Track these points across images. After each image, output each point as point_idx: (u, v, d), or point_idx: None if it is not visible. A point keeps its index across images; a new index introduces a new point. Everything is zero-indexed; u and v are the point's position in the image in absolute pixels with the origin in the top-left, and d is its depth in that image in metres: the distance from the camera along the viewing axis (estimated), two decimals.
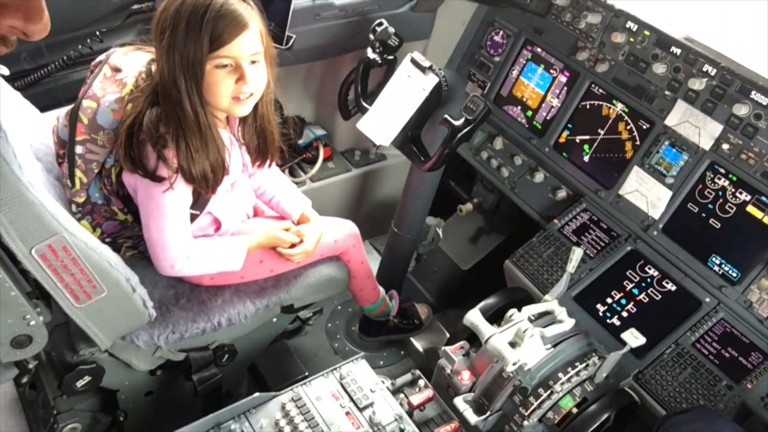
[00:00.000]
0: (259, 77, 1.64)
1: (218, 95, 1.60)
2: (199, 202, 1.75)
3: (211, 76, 1.57)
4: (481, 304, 1.94)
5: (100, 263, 1.50)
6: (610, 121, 2.16)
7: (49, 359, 1.83)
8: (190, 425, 1.60)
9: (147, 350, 1.80)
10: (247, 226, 1.94)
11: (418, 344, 2.66)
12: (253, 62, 1.61)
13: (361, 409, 1.72)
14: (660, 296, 1.96)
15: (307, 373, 2.45)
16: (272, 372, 2.42)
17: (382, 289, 2.41)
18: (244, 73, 1.58)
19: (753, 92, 1.83)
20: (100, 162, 1.70)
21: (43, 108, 1.94)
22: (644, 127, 2.08)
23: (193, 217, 1.77)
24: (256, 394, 1.69)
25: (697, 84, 1.90)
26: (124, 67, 1.70)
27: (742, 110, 1.82)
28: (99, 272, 1.50)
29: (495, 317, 1.92)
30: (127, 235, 1.85)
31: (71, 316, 1.54)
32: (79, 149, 1.67)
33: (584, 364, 1.74)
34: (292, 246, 1.92)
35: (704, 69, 1.91)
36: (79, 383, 1.74)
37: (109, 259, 1.53)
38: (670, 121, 2.00)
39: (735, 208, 1.88)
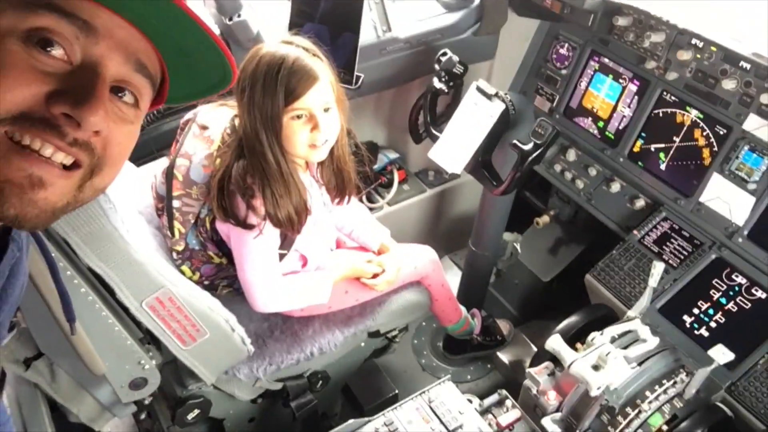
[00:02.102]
0: (332, 124, 1.74)
1: (296, 144, 1.71)
2: (286, 242, 1.88)
3: (288, 128, 1.69)
4: (561, 325, 1.95)
5: (202, 309, 1.65)
6: (685, 128, 2.12)
7: (161, 392, 2.00)
8: None
9: (248, 382, 1.94)
10: (332, 260, 2.05)
11: (504, 358, 2.69)
12: (326, 110, 1.71)
13: (450, 431, 1.78)
14: (749, 304, 1.91)
15: (397, 391, 2.53)
16: (364, 391, 2.52)
17: (463, 309, 2.47)
18: (318, 123, 1.69)
19: None
20: (195, 213, 1.84)
21: (137, 158, 2.12)
22: (721, 132, 2.03)
23: (281, 257, 1.89)
24: (351, 421, 1.78)
25: None
26: (210, 124, 1.83)
27: None
28: (201, 317, 1.65)
29: (579, 335, 1.94)
30: (223, 276, 1.99)
31: (179, 357, 1.69)
32: (176, 203, 1.83)
33: (672, 381, 1.73)
34: (375, 276, 2.02)
35: None
36: (190, 416, 1.90)
37: (209, 305, 1.68)
38: (748, 125, 1.95)
39: None
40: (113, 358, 1.57)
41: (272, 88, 1.63)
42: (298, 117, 1.68)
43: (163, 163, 1.93)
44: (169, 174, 1.82)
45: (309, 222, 1.86)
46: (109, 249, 1.38)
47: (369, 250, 2.14)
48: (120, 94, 0.86)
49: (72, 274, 1.36)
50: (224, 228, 1.83)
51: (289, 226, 1.78)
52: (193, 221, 1.85)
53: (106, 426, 1.72)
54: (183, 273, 1.88)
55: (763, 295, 1.90)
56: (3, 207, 0.76)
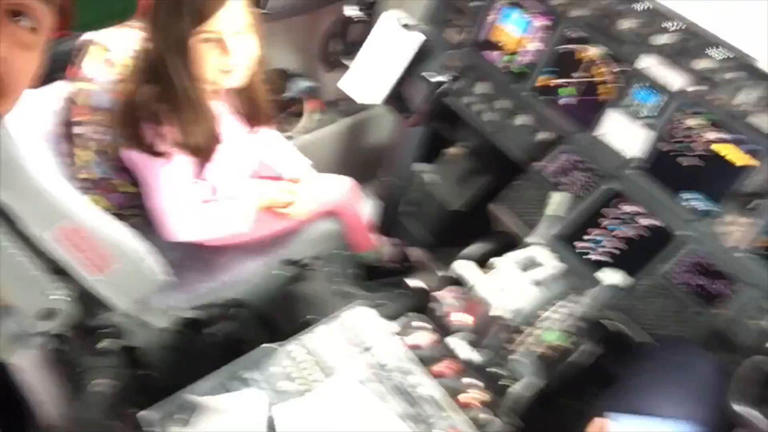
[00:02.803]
0: (244, 48, 1.70)
1: (205, 69, 1.67)
2: (196, 171, 1.85)
3: (196, 52, 1.63)
4: (467, 251, 2.06)
5: (110, 238, 1.63)
6: (586, 64, 2.23)
7: (71, 322, 1.97)
8: (208, 377, 1.75)
9: (161, 310, 1.95)
10: (246, 189, 2.05)
11: (413, 282, 2.81)
12: (237, 34, 1.66)
13: (363, 352, 1.87)
14: (636, 231, 2.08)
15: (311, 317, 2.60)
16: (279, 317, 2.57)
17: (376, 237, 2.54)
18: (226, 47, 1.64)
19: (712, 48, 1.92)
20: (99, 140, 1.78)
21: None
22: (619, 69, 2.15)
23: (195, 185, 1.87)
24: (266, 345, 1.84)
25: (659, 40, 1.98)
26: (112, 46, 1.75)
27: (703, 65, 1.91)
28: (110, 247, 1.63)
29: (483, 260, 2.06)
30: (131, 206, 1.95)
31: (88, 287, 1.67)
32: (77, 129, 1.76)
33: (565, 301, 1.89)
34: (289, 206, 2.04)
35: (663, 25, 2.00)
36: (102, 345, 1.89)
37: (118, 233, 1.66)
38: (642, 64, 2.07)
39: (704, 146, 1.98)
40: (19, 289, 1.53)
41: (177, 9, 1.57)
42: (207, 40, 1.63)
43: (61, 86, 1.83)
44: (69, 98, 1.73)
45: (220, 151, 1.84)
46: (8, 177, 1.33)
47: (285, 181, 2.14)
48: (17, 18, 0.82)
49: None
50: (131, 156, 1.78)
51: (199, 155, 1.75)
52: (97, 149, 1.79)
53: (15, 357, 1.69)
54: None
55: (648, 223, 2.08)
56: None
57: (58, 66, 2.00)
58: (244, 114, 1.92)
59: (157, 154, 1.70)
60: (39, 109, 1.88)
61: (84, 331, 1.88)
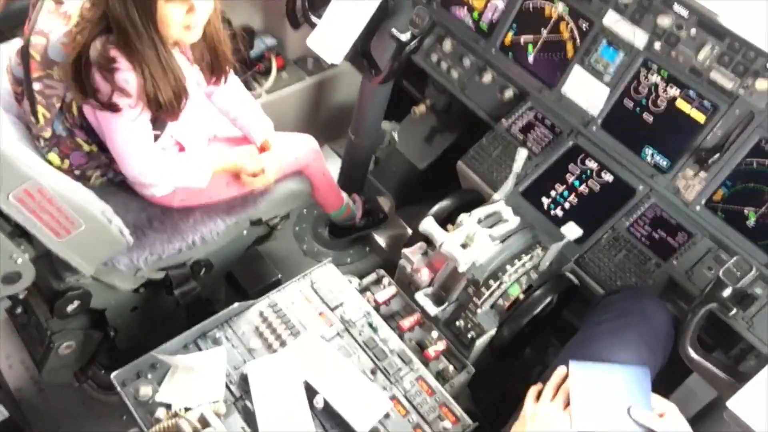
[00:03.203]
0: (205, 4, 1.67)
1: (170, 26, 1.64)
2: (158, 123, 1.82)
3: (162, 10, 1.60)
4: (434, 208, 2.08)
5: (75, 200, 1.60)
6: (552, 21, 2.23)
7: (36, 286, 1.95)
8: (178, 337, 1.76)
9: (128, 272, 1.93)
10: (214, 150, 2.02)
11: (381, 240, 2.84)
12: None
13: (332, 309, 1.90)
14: (599, 186, 2.13)
15: (280, 276, 2.62)
16: (247, 277, 2.59)
17: (345, 195, 2.55)
18: (193, 5, 1.61)
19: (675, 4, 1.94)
20: (59, 96, 1.74)
21: None
22: (584, 27, 2.15)
23: (155, 137, 1.84)
24: (236, 305, 1.84)
25: None
26: None
27: (665, 21, 1.93)
28: (75, 209, 1.60)
29: (450, 217, 2.09)
30: (95, 165, 1.92)
31: (53, 250, 1.65)
32: (36, 86, 1.71)
33: (529, 256, 1.93)
34: (255, 175, 2.01)
35: None
36: (69, 307, 1.88)
37: (83, 195, 1.63)
38: (607, 20, 2.08)
39: (666, 103, 2.02)
40: None
41: None
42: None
43: (16, 43, 1.77)
44: (25, 54, 1.68)
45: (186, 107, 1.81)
46: None
47: (251, 142, 2.11)
48: None
49: None
50: (93, 112, 1.74)
51: (169, 110, 1.73)
52: (58, 105, 1.74)
53: None
54: (50, 162, 1.79)
55: (610, 178, 2.12)
56: None
57: (14, 23, 1.94)
58: (205, 65, 1.88)
59: (115, 108, 1.65)
60: None
61: (51, 294, 1.86)
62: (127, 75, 1.63)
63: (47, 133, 1.77)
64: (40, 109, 1.73)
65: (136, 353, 1.70)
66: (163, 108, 1.70)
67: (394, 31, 1.93)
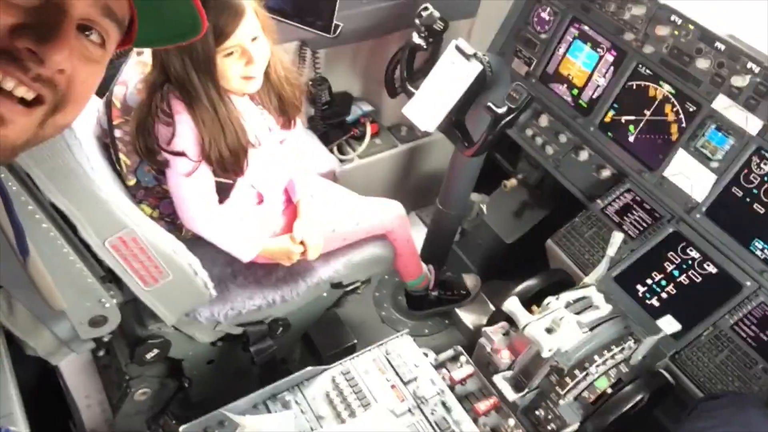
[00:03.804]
0: (262, 53, 1.71)
1: (230, 80, 1.69)
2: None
3: (221, 66, 1.66)
4: (519, 287, 2.01)
5: (165, 251, 1.64)
6: (657, 103, 2.15)
7: (120, 330, 2.00)
8: (249, 396, 1.74)
9: (208, 325, 1.95)
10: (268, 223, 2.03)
11: (462, 315, 2.76)
12: (254, 40, 1.68)
13: (405, 383, 1.83)
14: (700, 278, 1.99)
15: (355, 341, 2.58)
16: (323, 340, 2.57)
17: (424, 266, 2.51)
18: (251, 56, 1.67)
19: None
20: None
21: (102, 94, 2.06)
22: (691, 109, 2.07)
23: (228, 187, 1.87)
24: (309, 368, 1.82)
25: (740, 81, 1.90)
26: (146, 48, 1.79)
27: None
28: (164, 259, 1.64)
29: (536, 297, 2.00)
30: None
31: (140, 297, 1.69)
32: (117, 133, 1.80)
33: (620, 347, 1.80)
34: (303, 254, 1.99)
35: (748, 66, 1.91)
36: (149, 354, 1.91)
37: (173, 247, 1.67)
38: (718, 105, 1.98)
39: None
40: (73, 294, 1.56)
41: None
42: (230, 54, 1.65)
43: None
44: (107, 103, 1.78)
45: (255, 153, 1.83)
46: (72, 185, 1.36)
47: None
48: (87, 33, 0.85)
49: (34, 209, 1.34)
50: None
51: (226, 167, 1.76)
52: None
53: (64, 361, 1.72)
54: (143, 211, 1.86)
55: (714, 270, 1.98)
56: None
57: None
58: (273, 108, 1.91)
59: (179, 154, 1.71)
60: (88, 116, 1.93)
61: (132, 340, 1.90)
62: (185, 128, 1.68)
63: (131, 182, 1.85)
64: (122, 157, 1.81)
65: (208, 405, 1.69)
66: (221, 166, 1.74)
67: (490, 104, 1.92)
